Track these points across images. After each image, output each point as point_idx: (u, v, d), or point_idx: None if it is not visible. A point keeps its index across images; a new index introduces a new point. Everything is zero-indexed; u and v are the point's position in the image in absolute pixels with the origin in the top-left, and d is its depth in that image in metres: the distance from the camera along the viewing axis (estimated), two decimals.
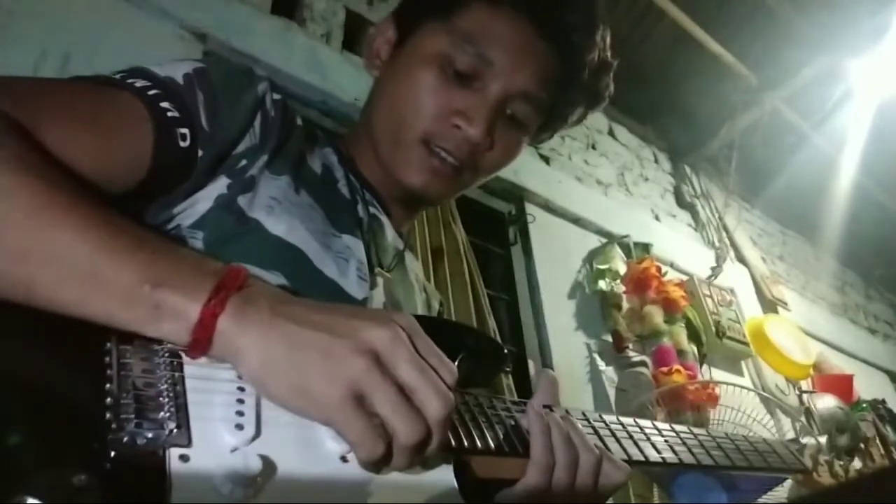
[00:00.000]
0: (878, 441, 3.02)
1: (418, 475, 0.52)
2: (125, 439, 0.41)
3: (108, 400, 0.42)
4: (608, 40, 0.83)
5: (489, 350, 0.76)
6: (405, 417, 0.47)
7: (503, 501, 0.61)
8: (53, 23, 1.62)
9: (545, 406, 0.67)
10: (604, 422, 0.76)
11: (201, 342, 0.46)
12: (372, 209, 0.82)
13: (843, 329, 4.28)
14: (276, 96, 0.72)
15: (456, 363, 0.66)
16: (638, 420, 0.81)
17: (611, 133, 3.61)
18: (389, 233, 0.83)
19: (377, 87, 0.84)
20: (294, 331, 0.48)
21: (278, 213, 0.67)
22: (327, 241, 0.71)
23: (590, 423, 0.74)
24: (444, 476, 0.54)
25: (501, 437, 0.61)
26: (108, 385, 0.43)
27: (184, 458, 0.42)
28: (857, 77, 3.34)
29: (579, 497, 0.63)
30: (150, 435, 0.42)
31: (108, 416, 0.42)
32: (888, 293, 5.38)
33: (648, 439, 0.78)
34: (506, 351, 0.77)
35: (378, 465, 0.48)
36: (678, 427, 0.87)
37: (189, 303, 0.46)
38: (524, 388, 2.04)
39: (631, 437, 0.76)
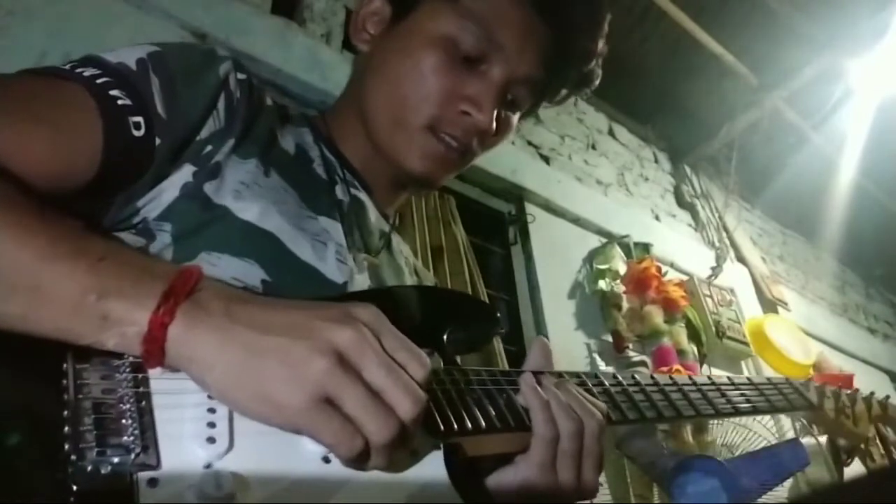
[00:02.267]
0: (878, 441, 3.02)
1: (407, 464, 0.51)
2: (88, 469, 0.38)
3: (67, 428, 0.39)
4: (606, 29, 0.82)
5: (480, 314, 0.74)
6: (376, 417, 0.45)
7: (504, 481, 0.60)
8: (53, 23, 1.62)
9: (536, 373, 0.65)
10: (601, 383, 0.73)
11: (153, 353, 0.44)
12: (353, 190, 0.78)
13: (843, 329, 4.29)
14: (241, 76, 0.68)
15: (446, 335, 0.65)
16: (635, 375, 0.78)
17: (611, 133, 3.61)
18: (373, 214, 0.80)
19: (370, 64, 0.79)
20: (251, 336, 0.45)
21: (247, 197, 0.64)
22: (302, 224, 0.68)
23: (587, 384, 0.71)
24: (433, 463, 0.53)
25: (493, 414, 0.59)
26: (65, 412, 0.40)
27: (153, 482, 0.40)
28: (857, 77, 3.35)
29: (587, 461, 0.62)
30: (115, 460, 0.39)
31: (67, 446, 0.39)
32: (888, 293, 5.38)
33: (648, 398, 0.75)
34: (498, 314, 0.75)
35: (360, 461, 0.46)
36: (679, 379, 0.83)
37: (137, 311, 0.44)
38: None
39: (630, 398, 0.74)
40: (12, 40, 1.54)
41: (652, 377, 0.80)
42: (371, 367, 0.46)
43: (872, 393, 1.20)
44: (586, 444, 0.62)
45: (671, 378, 0.82)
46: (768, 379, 1.01)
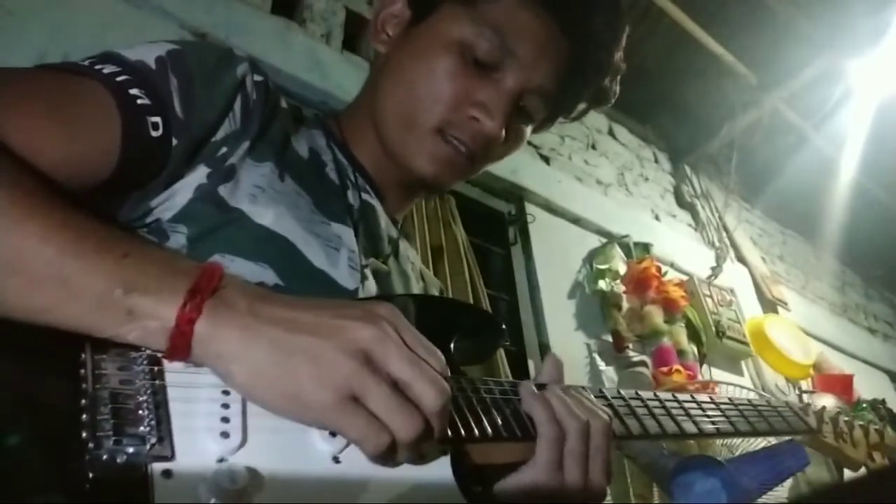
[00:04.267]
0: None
1: (414, 469, 0.51)
2: (104, 457, 0.39)
3: (84, 416, 0.40)
4: (623, 44, 0.82)
5: (484, 325, 0.74)
6: (401, 413, 0.46)
7: (510, 485, 0.59)
8: (53, 23, 1.62)
9: (539, 385, 0.65)
10: (605, 397, 0.73)
11: (180, 348, 0.45)
12: (364, 195, 0.78)
13: (843, 329, 4.28)
14: (258, 77, 0.68)
15: (452, 344, 0.65)
16: (640, 392, 0.78)
17: (611, 133, 3.61)
18: (383, 220, 0.80)
19: (385, 66, 0.79)
20: (278, 335, 0.46)
21: (263, 201, 0.65)
22: (316, 230, 0.68)
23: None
24: (440, 468, 0.53)
25: (500, 421, 0.59)
26: (83, 400, 0.41)
27: (167, 473, 0.41)
28: (857, 77, 3.34)
29: (594, 462, 0.61)
30: (130, 450, 0.40)
31: (84, 434, 0.39)
32: (888, 293, 5.38)
33: (651, 413, 0.75)
34: (503, 326, 0.75)
35: (387, 456, 0.47)
36: (681, 396, 0.83)
37: (163, 307, 0.44)
38: None
39: (633, 412, 0.74)
40: (12, 40, 1.54)
41: (654, 394, 0.80)
42: (395, 361, 0.48)
43: (870, 422, 1.21)
44: (593, 444, 0.61)
45: (673, 395, 0.83)
46: (768, 401, 1.01)
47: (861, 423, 1.17)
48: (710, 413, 0.85)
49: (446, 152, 0.74)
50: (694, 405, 0.83)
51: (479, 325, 0.73)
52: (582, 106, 0.86)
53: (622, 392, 0.76)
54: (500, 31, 0.72)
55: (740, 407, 0.92)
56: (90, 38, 1.65)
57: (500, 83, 0.74)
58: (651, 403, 0.77)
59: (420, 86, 0.74)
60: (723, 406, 0.88)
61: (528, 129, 0.82)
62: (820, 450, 1.11)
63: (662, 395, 0.81)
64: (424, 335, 0.52)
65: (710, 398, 0.88)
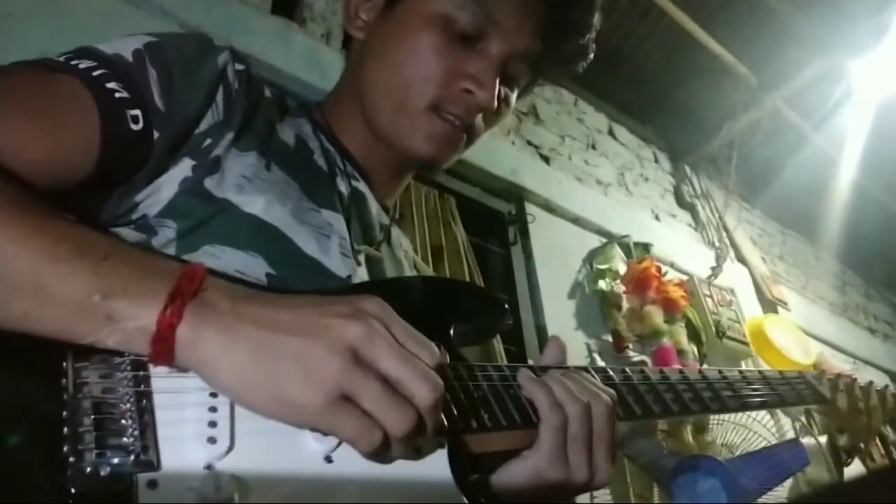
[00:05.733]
0: (878, 441, 3.02)
1: (410, 465, 0.50)
2: (87, 470, 0.38)
3: (66, 429, 0.39)
4: (600, 4, 0.82)
5: (487, 305, 0.73)
6: (393, 410, 0.46)
7: (515, 474, 0.58)
8: (53, 23, 1.63)
9: (540, 368, 0.64)
10: (611, 378, 0.72)
11: (162, 354, 0.44)
12: (353, 182, 0.77)
13: (843, 329, 4.28)
14: (239, 66, 0.67)
15: (452, 328, 0.64)
16: (644, 369, 0.77)
17: (611, 133, 3.61)
18: (373, 206, 0.79)
19: (366, 51, 0.78)
20: (263, 337, 0.45)
21: (250, 191, 0.63)
22: (306, 217, 0.67)
23: (593, 375, 0.69)
24: (437, 460, 0.52)
25: (498, 409, 0.58)
26: (63, 412, 0.40)
27: (152, 483, 0.39)
28: (857, 77, 3.35)
29: (598, 446, 0.60)
30: (114, 461, 0.39)
31: (65, 447, 0.38)
32: (888, 293, 5.38)
33: (657, 393, 0.73)
34: (505, 305, 0.73)
35: (381, 453, 0.46)
36: (689, 372, 0.81)
37: (143, 311, 0.43)
38: None
39: (638, 392, 0.72)
40: (12, 40, 1.54)
41: (661, 371, 0.78)
42: (385, 358, 0.47)
43: (887, 385, 1.18)
44: (596, 427, 0.60)
45: (681, 372, 0.80)
46: (780, 372, 0.98)
47: (878, 388, 1.14)
48: (718, 388, 0.82)
49: (443, 129, 0.74)
50: (703, 383, 0.81)
51: (481, 304, 0.72)
52: (559, 67, 0.86)
53: (628, 370, 0.74)
54: (481, 0, 0.72)
55: (752, 380, 0.89)
56: (90, 39, 1.64)
57: (486, 52, 0.73)
58: (660, 387, 0.75)
59: (407, 66, 0.73)
60: (733, 380, 0.86)
61: (514, 96, 0.82)
62: (834, 419, 1.08)
63: (669, 372, 0.79)
64: (424, 320, 0.52)
65: (721, 372, 0.86)
